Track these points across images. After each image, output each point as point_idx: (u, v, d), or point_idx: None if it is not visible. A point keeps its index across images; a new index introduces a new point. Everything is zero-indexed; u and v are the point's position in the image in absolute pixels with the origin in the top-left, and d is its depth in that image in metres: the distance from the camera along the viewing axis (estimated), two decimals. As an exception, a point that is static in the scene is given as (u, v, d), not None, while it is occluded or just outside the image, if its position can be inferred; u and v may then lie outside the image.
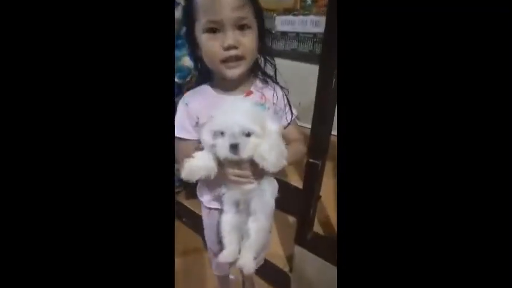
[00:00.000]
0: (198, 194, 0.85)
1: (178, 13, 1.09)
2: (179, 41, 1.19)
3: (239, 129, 0.59)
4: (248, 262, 0.71)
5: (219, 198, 0.77)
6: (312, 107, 0.93)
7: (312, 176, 0.98)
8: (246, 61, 0.65)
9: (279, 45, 2.66)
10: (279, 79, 0.77)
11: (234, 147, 0.59)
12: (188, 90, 1.31)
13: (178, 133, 0.71)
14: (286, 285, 1.25)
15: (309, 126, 0.97)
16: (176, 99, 1.33)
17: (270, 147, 0.60)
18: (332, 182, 1.70)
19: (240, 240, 0.74)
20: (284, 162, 0.62)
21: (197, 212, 1.66)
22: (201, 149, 0.66)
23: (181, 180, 1.66)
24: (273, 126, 0.64)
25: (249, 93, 0.72)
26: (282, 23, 2.53)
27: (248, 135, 0.60)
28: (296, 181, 1.61)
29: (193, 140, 0.71)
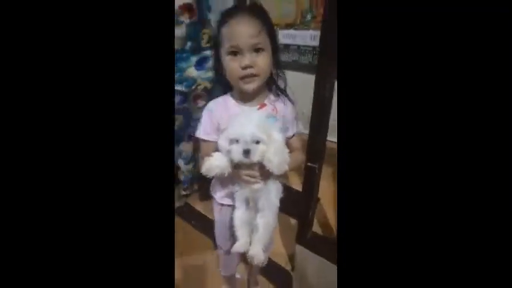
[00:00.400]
0: (211, 191, 0.93)
1: (182, 30, 1.19)
2: (184, 55, 1.28)
3: (250, 137, 0.69)
4: (258, 252, 0.78)
5: (230, 195, 0.86)
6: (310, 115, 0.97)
7: (310, 178, 1.02)
8: (259, 78, 0.74)
9: (283, 57, 2.68)
10: (288, 92, 0.86)
11: (246, 152, 0.69)
12: (194, 98, 1.37)
13: (202, 135, 0.82)
14: (288, 284, 1.25)
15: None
16: (183, 106, 1.39)
17: (274, 153, 0.70)
18: (330, 186, 1.74)
19: (250, 234, 0.81)
20: (286, 167, 0.71)
21: (206, 215, 1.69)
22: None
23: (189, 182, 1.68)
24: (279, 136, 0.73)
25: (263, 105, 0.81)
26: (284, 37, 2.58)
27: (257, 142, 0.70)
28: (297, 185, 1.61)
29: (213, 141, 0.80)
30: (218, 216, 0.94)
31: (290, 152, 0.77)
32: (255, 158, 0.69)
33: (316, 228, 1.22)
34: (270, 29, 0.74)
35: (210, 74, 1.37)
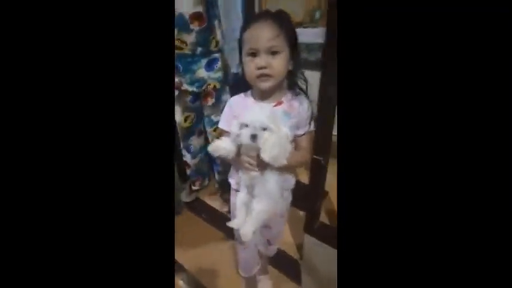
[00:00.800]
0: (229, 177, 0.99)
1: (193, 37, 1.27)
2: (196, 58, 1.34)
3: (259, 124, 0.72)
4: (246, 233, 0.78)
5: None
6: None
7: (316, 170, 1.03)
8: (274, 78, 0.78)
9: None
10: (309, 93, 0.88)
11: (254, 137, 0.72)
12: (204, 96, 1.40)
13: (221, 125, 0.90)
14: (296, 273, 1.26)
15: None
16: (195, 104, 1.41)
17: (273, 145, 0.72)
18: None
19: (246, 215, 0.84)
20: (284, 161, 0.74)
21: (216, 208, 1.73)
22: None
23: (195, 175, 1.70)
24: (285, 130, 0.76)
25: (280, 103, 0.84)
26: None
27: (264, 129, 0.73)
28: (306, 180, 1.61)
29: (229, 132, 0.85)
30: (234, 200, 0.97)
31: (296, 149, 0.80)
32: (260, 143, 0.72)
33: (323, 218, 1.21)
34: (290, 32, 0.77)
35: (219, 74, 1.41)
